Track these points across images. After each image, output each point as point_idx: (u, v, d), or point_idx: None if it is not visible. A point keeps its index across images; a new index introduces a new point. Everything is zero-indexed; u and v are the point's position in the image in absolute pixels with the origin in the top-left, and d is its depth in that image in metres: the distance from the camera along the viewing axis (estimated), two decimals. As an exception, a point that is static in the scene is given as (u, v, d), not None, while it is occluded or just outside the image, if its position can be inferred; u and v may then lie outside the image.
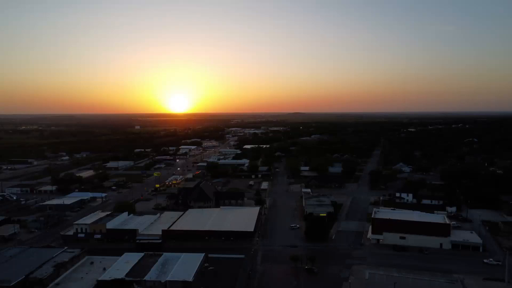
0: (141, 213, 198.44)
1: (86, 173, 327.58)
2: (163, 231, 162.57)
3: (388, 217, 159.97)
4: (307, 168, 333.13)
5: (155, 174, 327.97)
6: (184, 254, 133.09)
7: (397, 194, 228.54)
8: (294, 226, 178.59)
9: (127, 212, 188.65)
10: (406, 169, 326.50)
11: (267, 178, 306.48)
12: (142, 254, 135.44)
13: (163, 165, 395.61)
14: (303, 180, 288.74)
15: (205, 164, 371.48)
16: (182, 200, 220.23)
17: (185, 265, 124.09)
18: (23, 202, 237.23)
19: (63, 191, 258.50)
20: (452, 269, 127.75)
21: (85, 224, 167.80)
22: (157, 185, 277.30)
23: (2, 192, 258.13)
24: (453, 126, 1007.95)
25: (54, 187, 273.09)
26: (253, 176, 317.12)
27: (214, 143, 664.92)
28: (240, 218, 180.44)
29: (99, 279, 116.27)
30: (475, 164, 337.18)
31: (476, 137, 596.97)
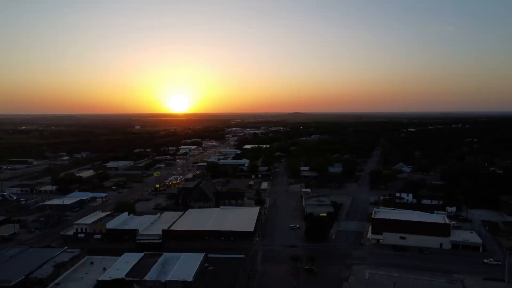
0: (141, 213, 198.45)
1: (86, 173, 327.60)
2: (163, 231, 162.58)
3: (388, 217, 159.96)
4: (307, 168, 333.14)
5: (155, 174, 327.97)
6: (184, 254, 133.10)
7: (397, 194, 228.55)
8: (294, 226, 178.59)
9: (127, 212, 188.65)
10: (406, 169, 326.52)
11: (267, 178, 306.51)
12: (142, 254, 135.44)
13: (163, 165, 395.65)
14: (303, 180, 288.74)
15: (205, 164, 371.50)
16: (182, 200, 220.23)
17: (185, 265, 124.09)
18: (23, 202, 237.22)
19: (63, 191, 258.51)
20: (452, 269, 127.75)
21: (85, 224, 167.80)
22: (157, 185, 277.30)
23: (2, 192, 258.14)
24: (453, 126, 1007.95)
25: (54, 187, 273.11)
26: (253, 176, 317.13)
27: (214, 143, 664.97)
28: (240, 218, 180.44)
29: (99, 279, 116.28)
30: (475, 164, 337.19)
31: (476, 137, 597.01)
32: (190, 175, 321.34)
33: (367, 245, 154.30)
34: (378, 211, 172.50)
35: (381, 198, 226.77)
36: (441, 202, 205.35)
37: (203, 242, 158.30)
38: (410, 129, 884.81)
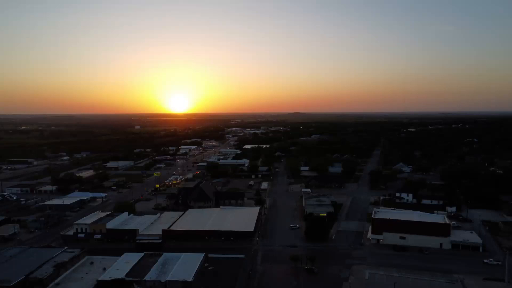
0: (141, 213, 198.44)
1: (86, 173, 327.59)
2: (163, 231, 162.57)
3: (388, 217, 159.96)
4: (307, 168, 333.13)
5: (155, 174, 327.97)
6: (184, 254, 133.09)
7: (397, 194, 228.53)
8: (294, 226, 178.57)
9: (127, 212, 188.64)
10: (406, 169, 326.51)
11: (267, 178, 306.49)
12: (142, 254, 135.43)
13: (163, 165, 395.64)
14: (303, 180, 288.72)
15: (205, 164, 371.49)
16: (182, 200, 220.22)
17: (185, 265, 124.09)
18: (23, 202, 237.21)
19: (63, 191, 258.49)
20: (452, 269, 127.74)
21: (85, 224, 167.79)
22: (157, 185, 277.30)
23: (2, 192, 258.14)
24: (453, 126, 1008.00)
25: (54, 187, 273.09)
26: (253, 176, 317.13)
27: (214, 143, 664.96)
28: (240, 218, 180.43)
29: (99, 279, 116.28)
30: (475, 164, 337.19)
31: (476, 137, 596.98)
32: (190, 175, 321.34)
33: (367, 245, 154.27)
34: (378, 211, 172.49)
35: (381, 198, 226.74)
36: (441, 202, 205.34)
37: (203, 242, 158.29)
38: (410, 129, 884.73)
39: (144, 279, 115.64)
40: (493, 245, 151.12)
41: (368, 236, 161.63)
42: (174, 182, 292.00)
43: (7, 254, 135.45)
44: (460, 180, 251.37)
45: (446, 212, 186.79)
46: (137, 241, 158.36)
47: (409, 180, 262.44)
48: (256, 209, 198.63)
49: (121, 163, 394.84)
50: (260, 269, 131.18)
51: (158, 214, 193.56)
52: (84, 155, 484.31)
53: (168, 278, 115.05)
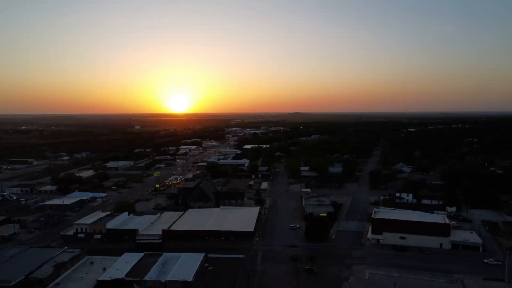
0: (141, 213, 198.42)
1: (86, 173, 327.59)
2: (163, 231, 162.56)
3: (388, 217, 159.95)
4: (307, 168, 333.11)
5: (155, 174, 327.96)
6: (184, 254, 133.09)
7: (397, 194, 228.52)
8: (294, 226, 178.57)
9: (127, 212, 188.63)
10: (406, 169, 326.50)
11: (267, 178, 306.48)
12: (142, 254, 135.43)
13: (163, 165, 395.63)
14: (303, 180, 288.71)
15: (205, 164, 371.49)
16: (182, 200, 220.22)
17: (185, 265, 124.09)
18: (23, 202, 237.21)
19: (63, 191, 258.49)
20: (452, 269, 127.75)
21: (85, 224, 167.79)
22: (157, 185, 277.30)
23: (2, 192, 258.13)
24: (453, 126, 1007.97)
25: (54, 187, 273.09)
26: (253, 176, 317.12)
27: (214, 143, 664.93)
28: (240, 218, 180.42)
29: (99, 279, 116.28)
30: (475, 164, 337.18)
31: (476, 137, 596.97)
32: (190, 175, 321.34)
33: (367, 245, 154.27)
34: (378, 211, 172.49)
35: (381, 198, 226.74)
36: (441, 202, 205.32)
37: (203, 242, 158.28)
38: (410, 129, 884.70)
39: (144, 279, 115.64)
40: (493, 245, 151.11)
41: (368, 236, 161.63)
42: (174, 182, 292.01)
43: (7, 254, 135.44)
44: (460, 180, 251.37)
45: (446, 212, 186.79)
46: (137, 241, 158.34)
47: (409, 180, 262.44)
48: (256, 209, 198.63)
49: (121, 163, 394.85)
50: (260, 269, 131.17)
51: (158, 214, 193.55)
52: (84, 155, 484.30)
53: (168, 278, 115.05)
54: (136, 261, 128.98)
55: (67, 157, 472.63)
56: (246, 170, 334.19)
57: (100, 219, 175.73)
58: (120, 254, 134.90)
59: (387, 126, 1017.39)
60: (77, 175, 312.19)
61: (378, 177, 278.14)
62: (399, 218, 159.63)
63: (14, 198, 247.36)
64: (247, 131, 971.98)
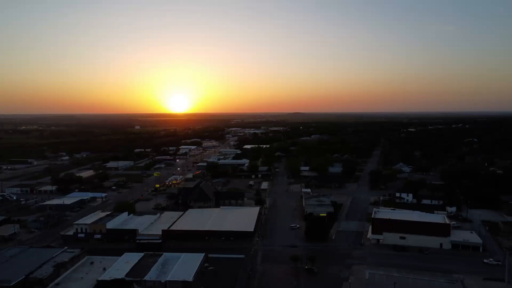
0: (141, 213, 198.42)
1: (86, 173, 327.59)
2: (163, 231, 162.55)
3: (388, 217, 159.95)
4: (307, 168, 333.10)
5: (155, 174, 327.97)
6: (184, 254, 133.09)
7: (397, 194, 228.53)
8: (294, 226, 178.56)
9: (127, 212, 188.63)
10: (406, 169, 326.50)
11: (267, 178, 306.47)
12: (142, 254, 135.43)
13: (163, 165, 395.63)
14: (303, 180, 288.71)
15: (205, 164, 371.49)
16: (182, 200, 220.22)
17: (185, 265, 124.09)
18: (23, 202, 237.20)
19: (63, 191, 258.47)
20: (452, 269, 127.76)
21: (85, 224, 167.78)
22: (157, 185, 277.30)
23: (2, 192, 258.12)
24: (453, 126, 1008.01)
25: (54, 187, 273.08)
26: (253, 176, 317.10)
27: (214, 143, 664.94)
28: (240, 218, 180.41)
29: (99, 279, 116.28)
30: (475, 164, 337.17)
31: (476, 137, 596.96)
32: (190, 175, 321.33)
33: (367, 245, 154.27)
34: (378, 211, 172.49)
35: (381, 198, 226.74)
36: (441, 202, 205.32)
37: (203, 242, 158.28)
38: (410, 129, 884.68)
39: (144, 279, 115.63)
40: (493, 245, 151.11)
41: (368, 236, 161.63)
42: (174, 182, 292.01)
43: (7, 254, 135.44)
44: (460, 180, 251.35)
45: (446, 212, 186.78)
46: (137, 241, 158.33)
47: (409, 180, 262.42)
48: (256, 209, 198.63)
49: (121, 163, 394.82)
50: (260, 269, 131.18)
51: (158, 214, 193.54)
52: (84, 155, 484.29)
53: (168, 278, 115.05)
54: (136, 261, 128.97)
55: (67, 157, 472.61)
56: (246, 170, 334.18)
57: (100, 219, 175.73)
58: (120, 254, 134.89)
59: (387, 126, 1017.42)
60: (77, 175, 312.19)
61: (378, 177, 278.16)
62: (399, 218, 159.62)
63: (14, 198, 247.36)
64: (247, 131, 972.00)
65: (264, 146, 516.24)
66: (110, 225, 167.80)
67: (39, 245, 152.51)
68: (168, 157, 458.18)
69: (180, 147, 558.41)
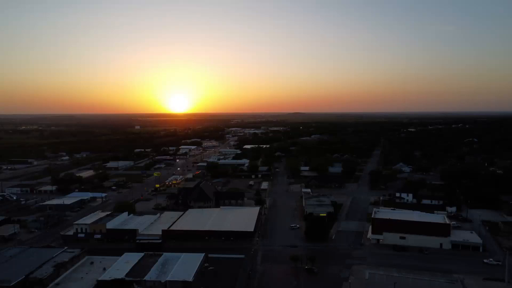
0: (141, 213, 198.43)
1: (86, 173, 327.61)
2: (163, 231, 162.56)
3: (388, 217, 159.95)
4: (307, 168, 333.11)
5: (155, 174, 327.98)
6: (184, 254, 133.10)
7: (397, 194, 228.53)
8: (294, 226, 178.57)
9: (127, 212, 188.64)
10: (406, 169, 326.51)
11: (267, 178, 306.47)
12: (142, 254, 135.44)
13: (163, 165, 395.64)
14: (303, 180, 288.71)
15: (205, 164, 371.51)
16: (182, 200, 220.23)
17: (185, 265, 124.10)
18: (23, 202, 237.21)
19: (63, 191, 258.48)
20: (452, 269, 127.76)
21: (85, 224, 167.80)
22: (157, 185, 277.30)
23: (2, 192, 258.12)
24: (453, 126, 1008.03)
25: (54, 187, 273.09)
26: (253, 176, 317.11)
27: (214, 143, 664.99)
28: (240, 218, 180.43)
29: (99, 279, 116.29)
30: (475, 164, 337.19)
31: (476, 137, 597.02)
32: (190, 175, 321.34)
33: (367, 245, 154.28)
34: (378, 211, 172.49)
35: (381, 198, 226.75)
36: (441, 202, 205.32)
37: (203, 242, 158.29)
38: (410, 129, 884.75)
39: (144, 279, 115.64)
40: (493, 245, 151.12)
41: (368, 236, 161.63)
42: (174, 182, 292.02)
43: (7, 254, 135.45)
44: (460, 180, 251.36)
45: (446, 212, 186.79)
46: (137, 241, 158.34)
47: (409, 180, 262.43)
48: (256, 209, 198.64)
49: (121, 163, 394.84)
50: (260, 269, 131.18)
51: (158, 214, 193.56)
52: (84, 155, 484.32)
53: (168, 278, 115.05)
54: (136, 261, 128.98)
55: (67, 157, 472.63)
56: (246, 170, 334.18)
57: (100, 219, 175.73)
58: (120, 254, 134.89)
59: (387, 126, 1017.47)
60: (77, 175, 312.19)
61: (378, 177, 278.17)
62: (399, 218, 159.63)
63: (14, 198, 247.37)
64: (247, 131, 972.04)
65: (264, 146, 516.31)
66: (110, 225, 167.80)
67: (39, 245, 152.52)
68: (168, 157, 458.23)
69: (180, 147, 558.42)
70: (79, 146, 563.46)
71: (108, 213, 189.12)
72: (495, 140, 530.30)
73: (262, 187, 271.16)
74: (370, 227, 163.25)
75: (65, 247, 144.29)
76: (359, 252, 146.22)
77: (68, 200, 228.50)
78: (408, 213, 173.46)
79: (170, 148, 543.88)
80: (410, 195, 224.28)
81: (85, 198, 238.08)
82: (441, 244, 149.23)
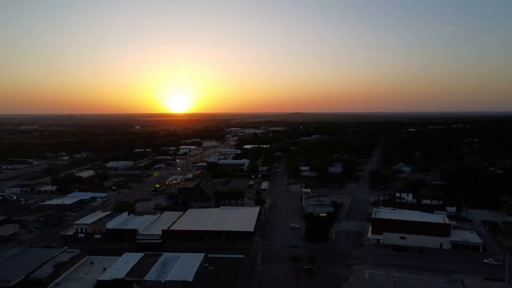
0: (141, 213, 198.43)
1: (86, 173, 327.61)
2: (163, 231, 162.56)
3: (388, 217, 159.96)
4: (307, 168, 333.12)
5: (155, 174, 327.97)
6: (184, 254, 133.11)
7: (397, 194, 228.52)
8: (294, 226, 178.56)
9: (127, 212, 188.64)
10: (406, 169, 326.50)
11: (267, 178, 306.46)
12: (142, 254, 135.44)
13: (163, 165, 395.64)
14: (303, 180, 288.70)
15: (205, 164, 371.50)
16: (182, 200, 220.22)
17: (185, 265, 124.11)
18: (23, 202, 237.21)
19: (63, 191, 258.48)
20: (452, 269, 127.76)
21: (85, 224, 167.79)
22: (157, 185, 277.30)
23: (2, 192, 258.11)
24: (453, 126, 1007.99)
25: (54, 187, 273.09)
26: (253, 176, 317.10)
27: (214, 143, 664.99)
28: (240, 218, 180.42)
29: (99, 279, 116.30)
30: (475, 164, 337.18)
31: (476, 137, 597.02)
32: (190, 175, 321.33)
33: (367, 245, 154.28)
34: (378, 211, 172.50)
35: (381, 198, 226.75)
36: (441, 202, 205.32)
37: (203, 242, 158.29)
38: (410, 129, 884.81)
39: (144, 279, 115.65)
40: (493, 245, 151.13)
41: (368, 236, 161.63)
42: (174, 182, 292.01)
43: (7, 254, 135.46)
44: (460, 180, 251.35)
45: (446, 212, 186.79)
46: (137, 241, 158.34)
47: (409, 180, 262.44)
48: (256, 209, 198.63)
49: (121, 163, 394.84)
50: (260, 269, 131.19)
51: (158, 214, 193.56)
52: (84, 155, 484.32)
53: (168, 278, 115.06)
54: (136, 261, 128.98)
55: (67, 157, 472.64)
56: (246, 170, 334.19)
57: (100, 219, 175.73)
58: (120, 254, 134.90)
59: (387, 126, 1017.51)
60: (77, 175, 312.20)
61: (378, 177, 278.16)
62: (399, 218, 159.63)
63: (14, 198, 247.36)
64: (247, 131, 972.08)
65: (264, 146, 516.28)
66: (110, 225, 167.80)
67: (39, 245, 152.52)
68: (168, 157, 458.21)
69: (180, 147, 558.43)
70: (79, 146, 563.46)
71: (108, 213, 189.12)
72: (495, 140, 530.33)
73: (262, 187, 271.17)
74: (370, 227, 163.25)
75: (65, 247, 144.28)
76: (359, 252, 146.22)
77: (68, 200, 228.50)
78: (408, 213, 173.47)
79: (170, 148, 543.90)
80: (410, 195, 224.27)
81: (85, 198, 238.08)
82: (441, 244, 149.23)
